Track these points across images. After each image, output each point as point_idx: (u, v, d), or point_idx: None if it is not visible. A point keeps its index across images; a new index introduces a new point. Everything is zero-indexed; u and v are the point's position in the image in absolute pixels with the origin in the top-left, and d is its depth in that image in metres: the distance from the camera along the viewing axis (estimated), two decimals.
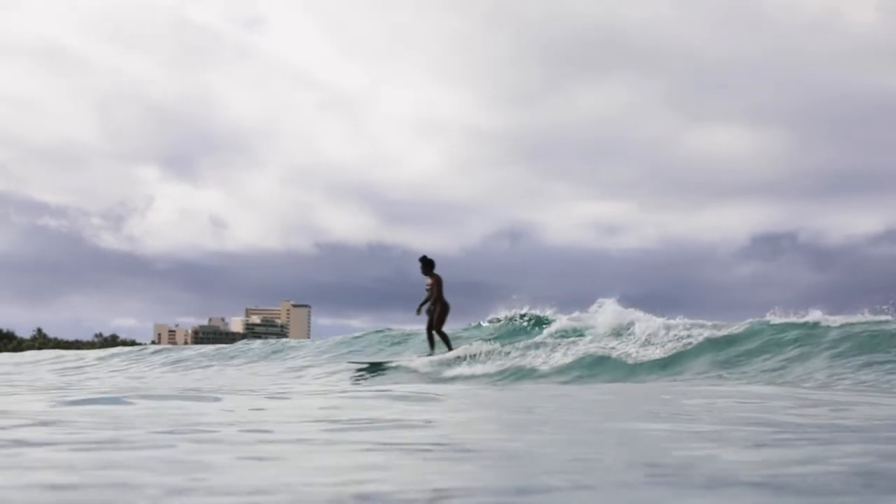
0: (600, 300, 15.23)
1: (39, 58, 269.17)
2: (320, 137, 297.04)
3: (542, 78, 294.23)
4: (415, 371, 13.98)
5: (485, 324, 18.51)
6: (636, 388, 9.57)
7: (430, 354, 14.74)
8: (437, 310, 14.71)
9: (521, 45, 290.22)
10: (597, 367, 12.40)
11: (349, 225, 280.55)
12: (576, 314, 16.28)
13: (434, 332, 14.84)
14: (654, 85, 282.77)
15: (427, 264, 14.80)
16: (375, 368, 14.98)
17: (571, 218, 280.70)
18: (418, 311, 14.86)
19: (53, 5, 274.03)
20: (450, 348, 14.61)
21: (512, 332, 16.85)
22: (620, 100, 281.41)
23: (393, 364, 15.08)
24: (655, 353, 12.40)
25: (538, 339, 15.12)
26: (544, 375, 12.44)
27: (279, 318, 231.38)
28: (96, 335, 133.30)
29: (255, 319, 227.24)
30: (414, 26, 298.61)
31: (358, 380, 13.76)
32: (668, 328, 13.13)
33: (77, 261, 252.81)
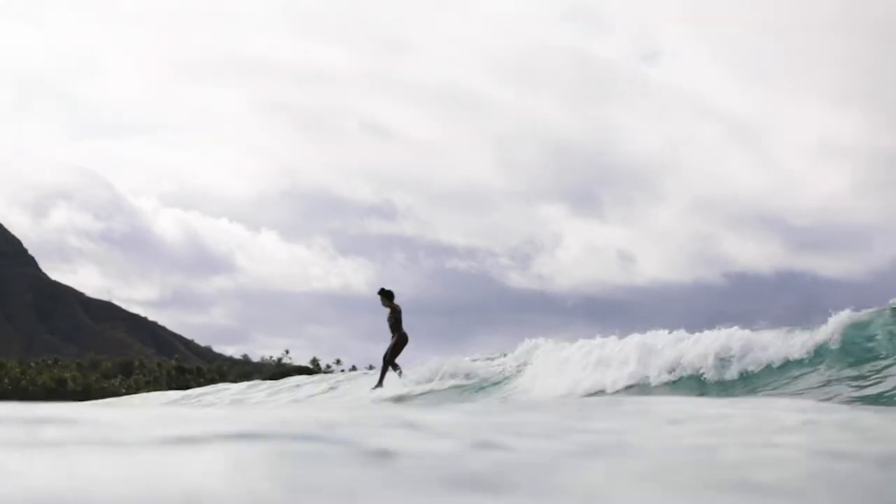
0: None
1: (440, 101, 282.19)
2: (722, 166, 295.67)
3: None
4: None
5: None
6: None
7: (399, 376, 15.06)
8: (394, 339, 15.25)
9: None
10: None
11: (755, 253, 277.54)
12: None
13: (387, 360, 15.16)
14: None
15: (386, 295, 15.37)
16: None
17: None
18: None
19: (452, 48, 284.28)
20: (381, 377, 14.87)
21: None
22: None
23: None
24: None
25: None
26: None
27: None
28: None
29: None
30: (807, 50, 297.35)
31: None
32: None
33: (487, 301, 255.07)
